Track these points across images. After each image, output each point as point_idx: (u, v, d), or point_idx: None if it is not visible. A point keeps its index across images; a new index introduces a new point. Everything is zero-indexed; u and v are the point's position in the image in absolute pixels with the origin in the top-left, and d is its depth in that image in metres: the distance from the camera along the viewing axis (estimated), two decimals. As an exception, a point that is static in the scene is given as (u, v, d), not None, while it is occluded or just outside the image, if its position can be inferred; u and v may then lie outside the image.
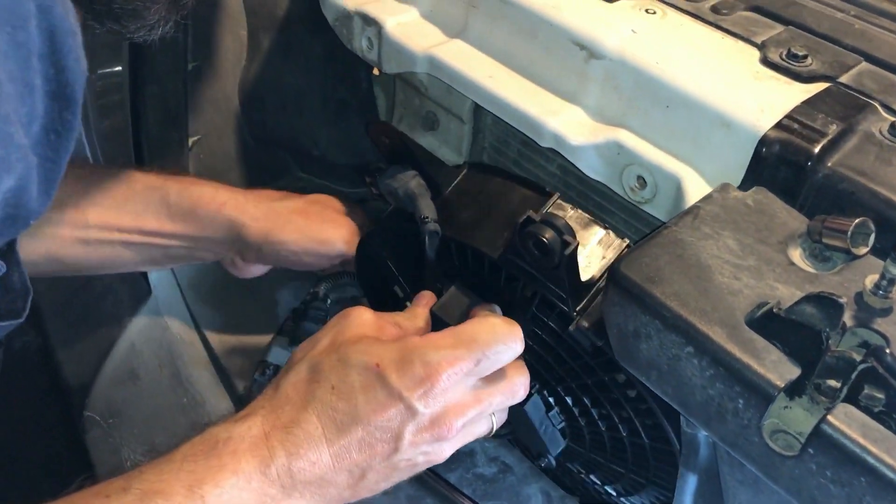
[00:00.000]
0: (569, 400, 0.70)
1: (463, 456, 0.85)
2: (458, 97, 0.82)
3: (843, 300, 0.47)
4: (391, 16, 0.80)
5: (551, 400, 0.72)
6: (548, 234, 0.60)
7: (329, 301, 0.93)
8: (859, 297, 0.52)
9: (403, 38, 0.78)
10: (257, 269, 0.90)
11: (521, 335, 0.63)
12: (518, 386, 0.64)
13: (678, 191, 0.64)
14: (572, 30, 0.69)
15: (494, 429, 0.66)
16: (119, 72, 0.94)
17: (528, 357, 0.70)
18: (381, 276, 0.84)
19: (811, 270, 0.55)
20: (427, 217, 0.71)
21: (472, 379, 0.62)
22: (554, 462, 0.77)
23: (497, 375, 0.63)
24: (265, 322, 0.98)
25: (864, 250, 0.55)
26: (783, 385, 0.47)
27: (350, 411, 0.59)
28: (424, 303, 0.72)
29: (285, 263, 0.86)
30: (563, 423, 0.73)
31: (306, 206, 0.87)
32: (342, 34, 0.85)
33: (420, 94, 0.94)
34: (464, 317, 0.68)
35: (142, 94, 0.93)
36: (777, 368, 0.47)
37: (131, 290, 0.96)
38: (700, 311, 0.50)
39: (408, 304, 0.73)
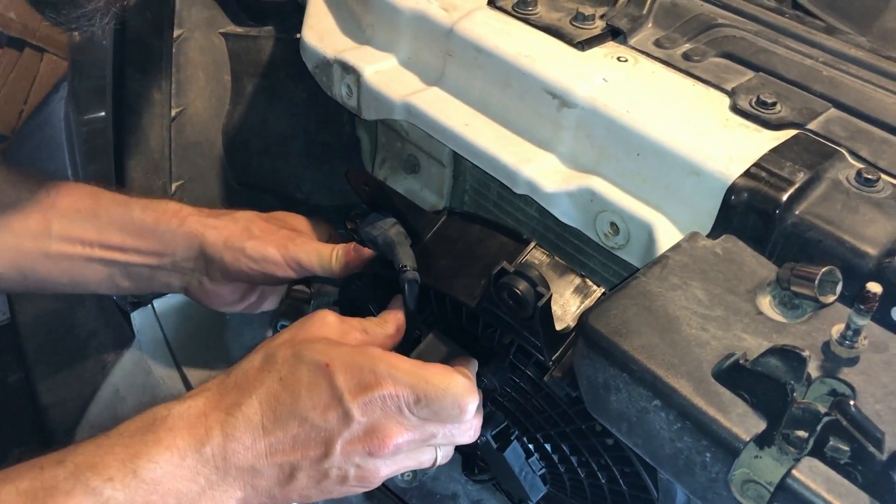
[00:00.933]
0: (548, 447, 0.70)
1: (446, 500, 0.84)
2: (437, 142, 0.83)
3: (806, 353, 0.48)
4: (370, 64, 0.81)
5: (531, 446, 0.72)
6: (521, 286, 0.60)
7: None
8: (826, 346, 0.52)
9: (381, 86, 0.80)
10: (228, 294, 0.87)
11: (474, 405, 0.63)
12: (468, 426, 0.64)
13: (650, 237, 0.65)
14: (545, 79, 0.70)
15: (438, 461, 0.65)
16: (103, 117, 0.95)
17: (508, 404, 0.71)
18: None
19: (779, 319, 0.55)
20: (406, 265, 0.72)
21: (409, 413, 0.61)
22: None
23: None
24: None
25: (831, 298, 0.56)
26: (748, 439, 0.47)
27: (291, 405, 0.60)
28: (396, 306, 0.72)
29: (251, 276, 0.83)
30: (543, 470, 0.73)
31: (267, 217, 0.86)
32: (322, 81, 0.86)
33: (401, 138, 0.95)
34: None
35: (125, 140, 0.94)
36: (743, 422, 0.48)
37: (115, 334, 0.97)
38: (667, 364, 0.50)
39: None
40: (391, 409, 0.60)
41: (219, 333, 0.99)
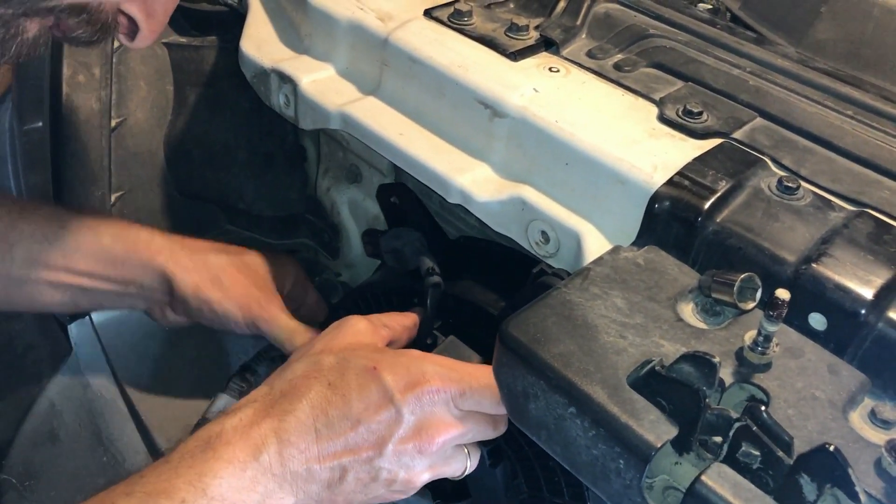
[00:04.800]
0: (538, 468, 0.70)
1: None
2: (376, 151, 0.83)
3: (716, 359, 0.48)
4: (307, 73, 0.81)
5: (518, 468, 0.71)
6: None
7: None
8: (740, 352, 0.53)
9: (318, 96, 0.79)
10: (186, 321, 0.88)
11: None
12: (500, 420, 0.65)
13: (578, 246, 0.65)
14: (477, 89, 0.71)
15: (468, 467, 0.66)
16: (41, 128, 0.94)
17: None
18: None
19: (700, 326, 0.56)
20: (432, 269, 0.74)
21: (454, 407, 0.63)
22: None
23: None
24: (189, 377, 0.97)
25: (751, 305, 0.57)
26: (660, 445, 0.47)
27: (343, 407, 0.61)
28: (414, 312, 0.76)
29: (211, 323, 0.85)
30: (524, 495, 0.72)
31: (240, 265, 0.86)
32: (260, 91, 0.86)
33: (343, 148, 0.95)
34: None
35: (62, 151, 0.92)
36: (655, 429, 0.48)
37: (52, 347, 0.95)
38: (583, 372, 0.50)
39: None
40: (438, 405, 0.62)
41: (158, 345, 0.98)
